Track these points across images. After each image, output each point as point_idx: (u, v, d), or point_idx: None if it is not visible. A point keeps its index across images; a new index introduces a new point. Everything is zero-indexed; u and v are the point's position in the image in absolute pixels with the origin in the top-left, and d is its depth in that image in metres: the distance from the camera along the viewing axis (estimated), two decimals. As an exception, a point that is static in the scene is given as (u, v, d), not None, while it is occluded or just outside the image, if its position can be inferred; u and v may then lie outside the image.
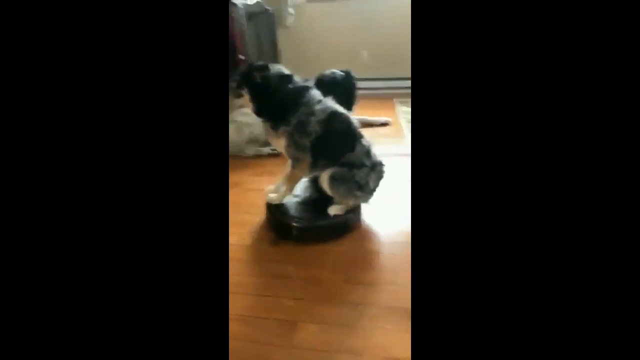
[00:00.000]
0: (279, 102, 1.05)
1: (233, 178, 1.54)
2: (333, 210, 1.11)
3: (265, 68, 1.07)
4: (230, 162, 1.60)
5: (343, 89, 1.55)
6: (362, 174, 1.07)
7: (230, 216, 1.14)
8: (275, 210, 1.15)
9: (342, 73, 1.66)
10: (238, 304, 0.85)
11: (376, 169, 1.11)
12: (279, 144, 1.12)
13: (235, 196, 1.40)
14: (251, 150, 1.81)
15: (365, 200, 1.13)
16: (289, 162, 1.14)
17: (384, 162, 1.15)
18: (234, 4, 1.98)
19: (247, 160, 1.76)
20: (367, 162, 1.09)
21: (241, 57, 2.18)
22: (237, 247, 1.10)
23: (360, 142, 1.09)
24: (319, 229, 1.09)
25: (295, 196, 1.21)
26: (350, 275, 0.95)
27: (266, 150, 1.79)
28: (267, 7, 2.39)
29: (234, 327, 0.77)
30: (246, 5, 2.10)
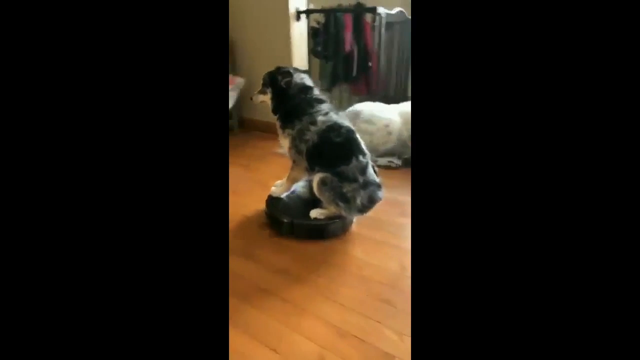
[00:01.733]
0: (291, 107, 1.18)
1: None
2: (314, 213, 1.18)
3: (288, 74, 1.19)
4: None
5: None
6: (350, 188, 1.11)
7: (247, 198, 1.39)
8: (271, 205, 1.26)
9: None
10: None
11: (368, 188, 1.13)
12: (285, 144, 1.24)
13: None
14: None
15: (349, 214, 1.16)
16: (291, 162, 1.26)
17: (381, 185, 1.17)
18: (378, 13, 2.08)
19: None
20: (360, 179, 1.12)
21: (370, 64, 2.30)
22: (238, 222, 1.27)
23: (357, 158, 1.13)
24: (301, 227, 1.16)
25: (297, 194, 1.33)
26: (302, 268, 1.04)
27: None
28: (408, 17, 2.38)
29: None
30: (388, 15, 2.17)
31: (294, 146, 1.18)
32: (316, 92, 1.22)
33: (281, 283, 0.97)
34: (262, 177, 1.65)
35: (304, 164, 1.19)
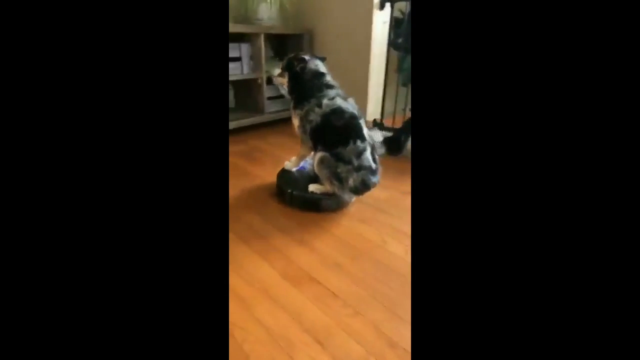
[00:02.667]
0: (303, 90, 1.30)
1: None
2: (311, 187, 1.31)
3: (303, 60, 1.31)
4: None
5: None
6: (344, 170, 1.19)
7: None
8: (281, 177, 1.42)
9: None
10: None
11: (361, 172, 1.19)
12: (295, 123, 1.35)
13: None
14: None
15: (342, 193, 1.23)
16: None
17: (376, 171, 1.23)
18: None
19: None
20: (355, 162, 1.19)
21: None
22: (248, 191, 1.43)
23: (354, 142, 1.19)
24: (298, 198, 1.30)
25: (306, 171, 1.47)
26: (293, 226, 1.19)
27: None
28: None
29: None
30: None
31: (302, 126, 1.30)
32: (328, 78, 1.33)
33: (272, 232, 1.14)
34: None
35: (309, 143, 1.31)
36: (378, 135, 1.94)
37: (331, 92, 1.27)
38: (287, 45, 2.49)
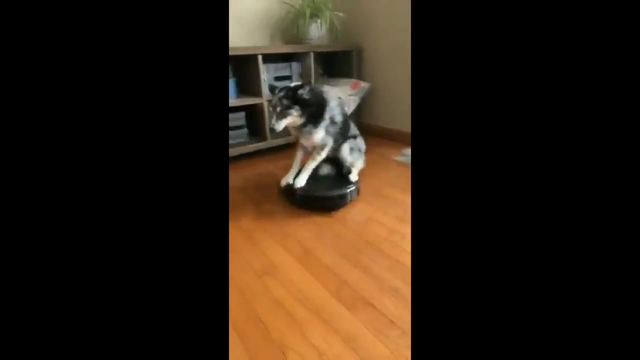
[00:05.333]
0: (316, 108, 1.38)
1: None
2: (353, 176, 1.49)
3: (301, 87, 1.31)
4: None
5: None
6: (360, 141, 1.58)
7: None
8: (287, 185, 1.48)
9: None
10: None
11: (358, 137, 1.57)
12: (318, 137, 1.40)
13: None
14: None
15: (362, 161, 1.58)
16: (317, 149, 1.44)
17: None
18: None
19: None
20: (357, 132, 1.59)
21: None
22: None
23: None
24: (312, 198, 1.39)
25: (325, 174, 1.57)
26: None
27: None
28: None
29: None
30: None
31: (326, 133, 1.42)
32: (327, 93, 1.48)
33: (324, 251, 1.04)
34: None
35: (331, 142, 1.45)
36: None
37: (332, 103, 1.43)
38: (335, 62, 2.52)
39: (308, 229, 1.25)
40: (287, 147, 2.23)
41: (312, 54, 2.14)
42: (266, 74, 2.04)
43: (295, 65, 2.17)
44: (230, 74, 2.17)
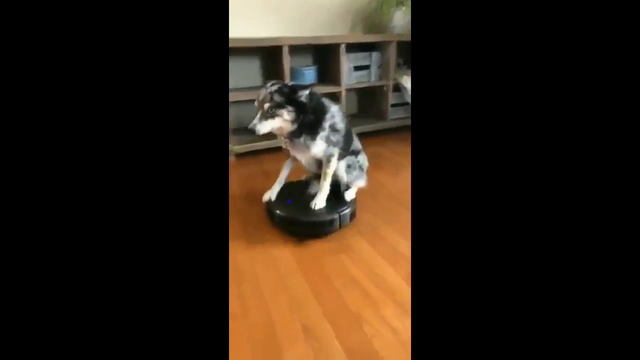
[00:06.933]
0: (314, 114, 1.10)
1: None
2: (349, 195, 1.26)
3: (302, 87, 1.07)
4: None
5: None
6: (362, 157, 1.31)
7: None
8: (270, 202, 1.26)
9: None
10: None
11: (360, 153, 1.32)
12: (319, 149, 1.14)
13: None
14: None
15: (364, 180, 1.31)
16: (325, 161, 1.18)
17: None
18: None
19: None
20: (359, 147, 1.32)
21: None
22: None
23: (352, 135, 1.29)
24: (292, 222, 1.17)
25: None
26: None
27: None
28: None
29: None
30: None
31: (328, 142, 1.15)
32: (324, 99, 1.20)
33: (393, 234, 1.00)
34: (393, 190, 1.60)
35: (337, 152, 1.18)
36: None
37: (332, 108, 1.16)
38: (416, 52, 2.46)
39: (382, 218, 1.29)
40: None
41: (394, 43, 2.12)
42: (347, 64, 2.08)
43: (375, 55, 2.18)
44: (311, 63, 2.26)
